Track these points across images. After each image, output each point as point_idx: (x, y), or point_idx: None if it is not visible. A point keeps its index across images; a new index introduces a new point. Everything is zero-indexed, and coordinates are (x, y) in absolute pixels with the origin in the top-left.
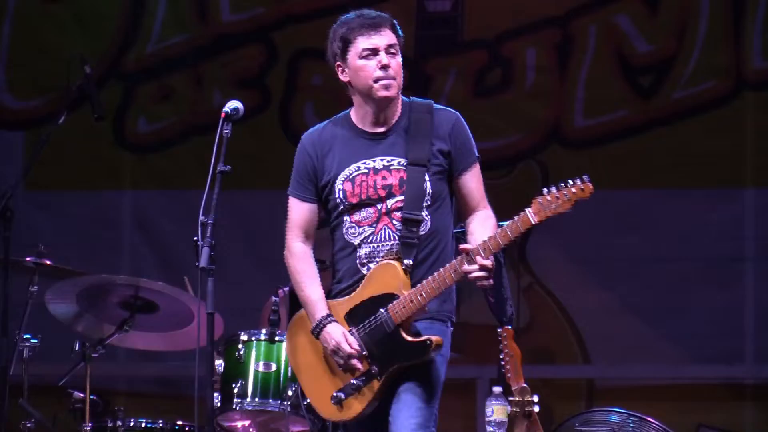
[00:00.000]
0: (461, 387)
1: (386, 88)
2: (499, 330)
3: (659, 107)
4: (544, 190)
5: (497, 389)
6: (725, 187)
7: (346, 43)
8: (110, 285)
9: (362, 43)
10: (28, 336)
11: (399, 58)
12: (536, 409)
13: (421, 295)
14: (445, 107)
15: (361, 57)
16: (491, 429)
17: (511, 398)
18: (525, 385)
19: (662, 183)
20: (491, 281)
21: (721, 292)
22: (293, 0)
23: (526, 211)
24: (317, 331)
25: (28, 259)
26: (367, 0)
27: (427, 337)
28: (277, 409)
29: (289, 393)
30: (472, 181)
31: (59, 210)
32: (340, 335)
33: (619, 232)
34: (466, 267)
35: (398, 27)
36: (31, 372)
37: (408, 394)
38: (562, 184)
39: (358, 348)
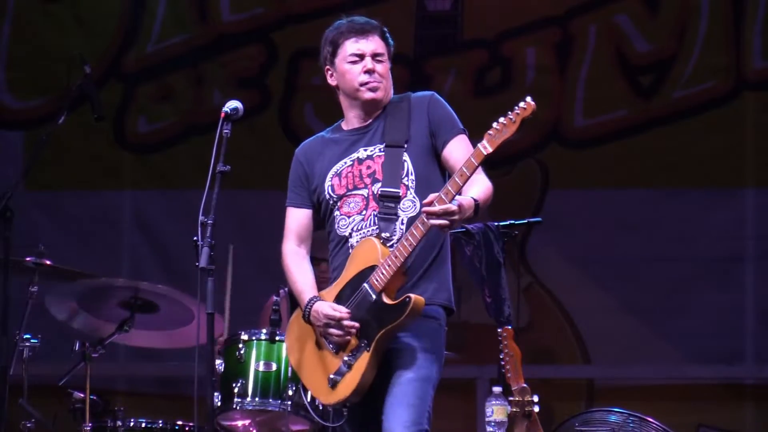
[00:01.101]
0: (461, 387)
1: (372, 90)
2: (499, 330)
3: (659, 107)
4: (494, 123)
5: (497, 389)
6: (725, 187)
7: (334, 47)
8: (110, 288)
9: (349, 47)
10: (28, 336)
11: (386, 65)
12: (536, 409)
13: (396, 256)
14: (422, 92)
15: (347, 61)
16: (491, 429)
17: (511, 398)
18: (525, 385)
19: (662, 183)
20: (453, 225)
21: (722, 292)
22: (293, 0)
23: (479, 144)
24: (306, 314)
25: (28, 259)
26: None
27: (406, 295)
28: (277, 409)
29: (290, 393)
30: (459, 149)
31: (59, 210)
32: (326, 307)
33: (619, 232)
34: (428, 212)
35: (388, 35)
36: (31, 372)
37: (400, 390)
38: (508, 111)
39: (347, 311)
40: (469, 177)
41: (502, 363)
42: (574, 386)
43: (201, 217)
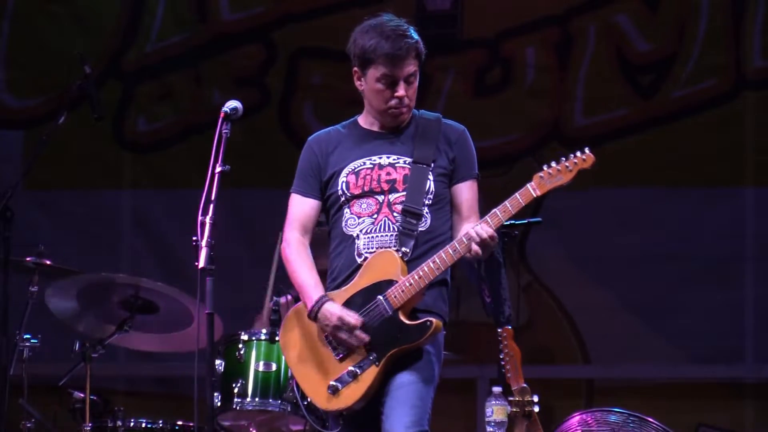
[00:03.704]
0: (461, 387)
1: (397, 116)
2: (499, 330)
3: (659, 106)
4: (545, 166)
5: (497, 389)
6: (725, 186)
7: (367, 61)
8: (110, 284)
9: (383, 69)
10: (28, 336)
11: (416, 84)
12: (536, 409)
13: (419, 276)
14: (453, 122)
15: (378, 81)
16: (491, 429)
17: (511, 398)
18: (525, 385)
19: (662, 182)
20: (490, 252)
21: (721, 291)
22: None
23: (528, 185)
24: (315, 312)
25: (28, 259)
26: None
27: (426, 318)
28: (277, 409)
29: (290, 393)
30: (468, 192)
31: (59, 209)
32: (339, 309)
33: (619, 231)
34: (467, 237)
35: (421, 46)
36: (31, 372)
37: (402, 392)
38: (563, 158)
39: (360, 319)
40: (512, 215)
41: (502, 363)
42: (573, 386)
43: (200, 217)
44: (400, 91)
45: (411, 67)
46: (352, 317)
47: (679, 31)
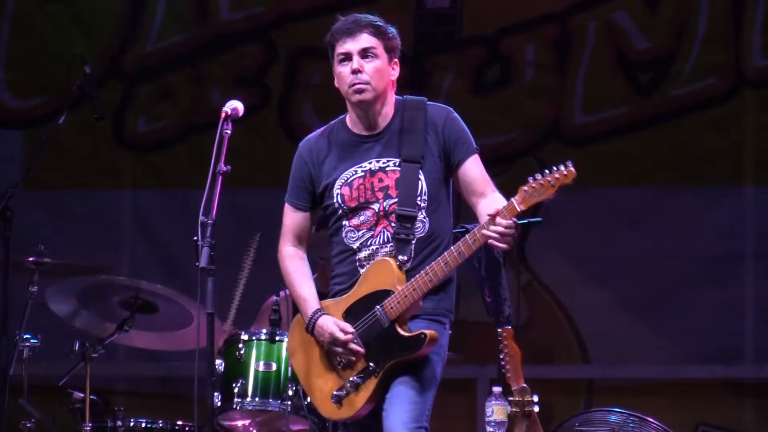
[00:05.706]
0: (461, 387)
1: (359, 92)
2: (499, 330)
3: (658, 104)
4: (530, 178)
5: (497, 389)
6: (725, 185)
7: (330, 50)
8: (110, 286)
9: (338, 48)
10: (28, 336)
11: (377, 62)
12: (536, 409)
13: (415, 289)
14: (437, 103)
15: (338, 63)
16: (491, 429)
17: (511, 398)
18: (525, 385)
19: (661, 180)
20: (511, 243)
21: (721, 290)
22: None
23: (512, 199)
24: (310, 327)
25: (28, 259)
26: None
27: (421, 330)
28: (277, 409)
29: (290, 393)
30: (474, 168)
31: (59, 210)
32: (331, 324)
33: (618, 230)
34: (489, 229)
35: (386, 28)
36: (31, 372)
37: (402, 388)
38: (546, 171)
39: (352, 332)
40: None
41: (502, 363)
42: (573, 385)
43: (201, 217)
44: (355, 64)
45: (366, 41)
46: (343, 333)
47: (679, 29)
